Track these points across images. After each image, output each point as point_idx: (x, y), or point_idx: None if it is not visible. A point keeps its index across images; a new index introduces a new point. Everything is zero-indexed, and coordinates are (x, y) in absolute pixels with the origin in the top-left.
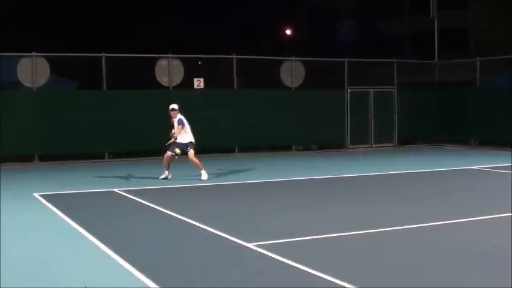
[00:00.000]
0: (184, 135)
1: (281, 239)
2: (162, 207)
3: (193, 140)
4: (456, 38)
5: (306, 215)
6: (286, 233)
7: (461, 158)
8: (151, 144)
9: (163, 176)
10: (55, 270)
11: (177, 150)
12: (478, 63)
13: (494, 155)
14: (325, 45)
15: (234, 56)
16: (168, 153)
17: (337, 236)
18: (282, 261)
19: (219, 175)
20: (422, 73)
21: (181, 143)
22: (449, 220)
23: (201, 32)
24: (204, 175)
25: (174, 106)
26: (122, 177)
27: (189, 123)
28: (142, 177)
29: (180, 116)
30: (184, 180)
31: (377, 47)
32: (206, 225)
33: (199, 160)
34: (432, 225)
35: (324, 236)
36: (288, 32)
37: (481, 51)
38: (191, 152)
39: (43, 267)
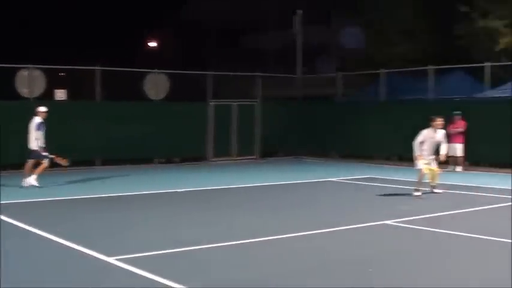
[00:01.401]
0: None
1: (142, 252)
2: (17, 221)
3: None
4: (319, 53)
5: (168, 227)
6: (147, 246)
7: (321, 170)
8: (10, 156)
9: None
10: None
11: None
12: (338, 78)
13: (352, 167)
14: (190, 58)
15: (98, 68)
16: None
17: (197, 248)
18: (140, 274)
19: (80, 188)
20: (285, 87)
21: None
22: (309, 231)
23: (65, 42)
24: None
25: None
26: None
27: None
28: None
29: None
30: (44, 192)
31: (242, 61)
32: (65, 239)
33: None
34: (294, 236)
35: (184, 248)
36: (153, 44)
37: (342, 66)
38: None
39: None
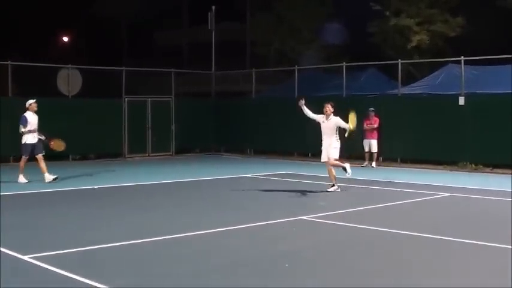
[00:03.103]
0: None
1: (58, 250)
2: None
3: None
4: (234, 50)
5: (84, 225)
6: (63, 244)
7: (237, 167)
8: None
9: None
10: None
11: None
12: (253, 74)
13: (269, 163)
14: (104, 53)
15: (9, 63)
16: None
17: (116, 245)
18: (56, 272)
19: None
20: (200, 83)
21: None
22: (226, 227)
23: None
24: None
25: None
26: None
27: None
28: None
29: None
30: None
31: (157, 57)
32: None
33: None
34: (210, 232)
35: (103, 245)
36: (66, 39)
37: (256, 63)
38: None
39: None
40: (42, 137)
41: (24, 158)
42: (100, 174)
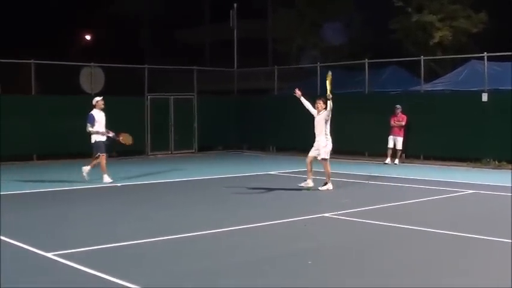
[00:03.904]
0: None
1: (80, 247)
2: None
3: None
4: (255, 47)
5: (107, 222)
6: (86, 241)
7: (259, 164)
8: None
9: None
10: None
11: None
12: (275, 72)
13: (291, 160)
14: (126, 51)
15: (32, 61)
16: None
17: (137, 243)
18: (80, 269)
19: (16, 184)
20: (222, 81)
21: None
22: (248, 224)
23: None
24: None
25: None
26: None
27: None
28: None
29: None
30: None
31: (179, 54)
32: (1, 235)
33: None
34: (232, 229)
35: (123, 243)
36: (88, 37)
37: (278, 60)
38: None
39: None
40: (111, 134)
41: (103, 156)
42: (122, 172)
